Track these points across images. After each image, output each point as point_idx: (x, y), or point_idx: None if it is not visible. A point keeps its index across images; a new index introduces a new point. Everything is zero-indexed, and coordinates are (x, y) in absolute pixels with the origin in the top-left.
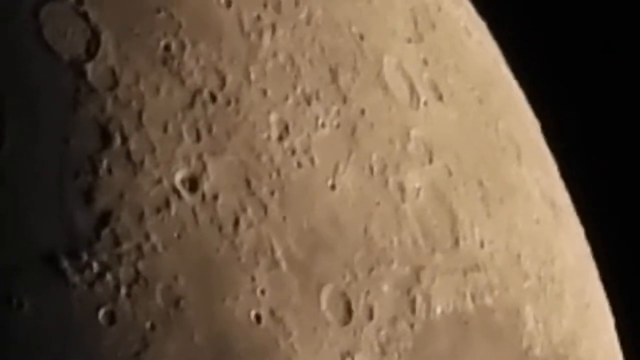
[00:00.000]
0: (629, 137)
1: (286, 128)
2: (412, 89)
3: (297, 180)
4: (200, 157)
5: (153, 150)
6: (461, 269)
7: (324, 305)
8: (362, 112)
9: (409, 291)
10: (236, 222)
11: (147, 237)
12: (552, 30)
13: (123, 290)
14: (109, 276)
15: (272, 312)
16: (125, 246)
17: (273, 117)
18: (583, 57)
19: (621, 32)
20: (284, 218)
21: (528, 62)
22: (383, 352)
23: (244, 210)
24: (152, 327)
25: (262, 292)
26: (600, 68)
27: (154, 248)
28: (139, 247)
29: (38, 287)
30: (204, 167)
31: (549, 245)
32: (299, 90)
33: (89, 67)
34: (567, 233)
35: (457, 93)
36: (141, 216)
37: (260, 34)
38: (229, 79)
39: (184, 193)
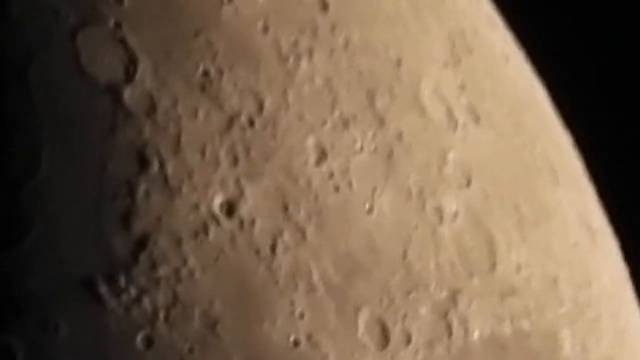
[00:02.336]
0: None
1: (324, 152)
2: (449, 112)
3: (335, 204)
4: (237, 181)
5: (190, 174)
6: (498, 292)
7: (361, 329)
8: (400, 135)
9: (446, 315)
10: (274, 246)
11: (184, 261)
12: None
13: (161, 315)
14: (146, 300)
15: (309, 336)
16: (163, 270)
17: (310, 141)
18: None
19: None
20: (321, 242)
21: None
22: None
23: (282, 234)
24: (190, 351)
25: (301, 315)
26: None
27: (191, 272)
28: (176, 271)
29: (75, 311)
30: (242, 192)
31: (585, 268)
32: (336, 114)
33: (127, 91)
34: (603, 256)
35: (494, 116)
36: (179, 240)
37: (297, 59)
38: (267, 103)
39: (222, 217)
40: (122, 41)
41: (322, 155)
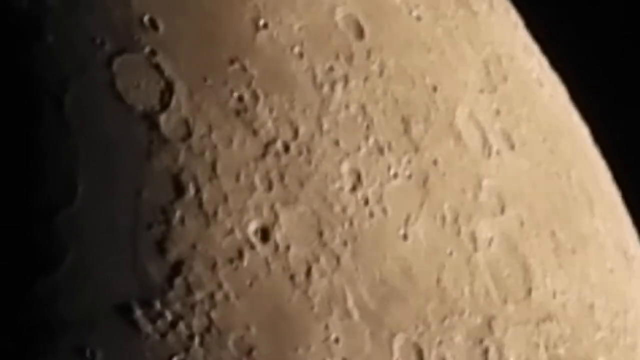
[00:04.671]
0: None
1: (358, 178)
2: (485, 139)
3: (370, 230)
4: (272, 207)
5: (226, 200)
6: (533, 319)
7: (396, 354)
8: (435, 161)
9: (481, 341)
10: (308, 272)
11: (219, 286)
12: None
13: (196, 340)
14: (181, 326)
15: None
16: (198, 296)
17: (345, 167)
18: None
19: None
20: (356, 268)
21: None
22: None
23: (317, 260)
24: None
25: (336, 340)
26: None
27: (226, 298)
28: (211, 297)
29: (111, 337)
30: (276, 217)
31: (621, 295)
32: (371, 140)
33: (162, 118)
34: (639, 283)
35: (529, 143)
36: (214, 266)
37: (332, 85)
38: (302, 130)
39: (257, 243)
40: (158, 68)
41: (357, 182)
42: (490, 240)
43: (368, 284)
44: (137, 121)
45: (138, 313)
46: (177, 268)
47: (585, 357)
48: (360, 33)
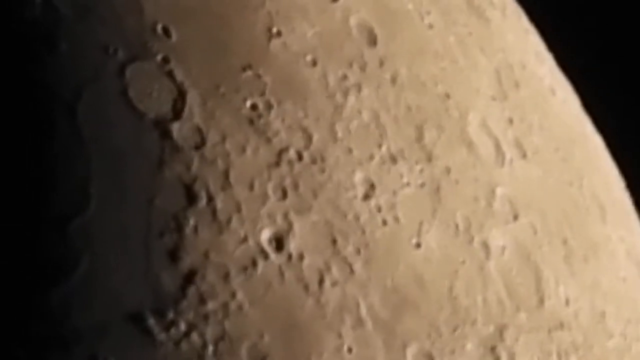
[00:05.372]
0: None
1: (371, 187)
2: (497, 147)
3: (382, 239)
4: (286, 216)
5: (239, 209)
6: (546, 327)
7: None
8: (447, 170)
9: (493, 350)
10: (321, 281)
11: (233, 295)
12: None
13: (209, 349)
14: (195, 335)
15: None
16: (211, 305)
17: (358, 176)
18: None
19: None
20: (369, 277)
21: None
22: None
23: (329, 269)
24: None
25: (349, 350)
26: None
27: (240, 307)
28: (225, 306)
29: (124, 346)
30: (290, 226)
31: (634, 303)
32: (384, 148)
33: (175, 126)
34: None
35: (542, 151)
36: (227, 275)
37: (345, 93)
38: (315, 138)
39: (270, 252)
40: (170, 75)
41: (369, 190)
42: (503, 249)
43: (380, 292)
44: (149, 129)
45: (151, 322)
46: (190, 277)
47: None
48: (373, 41)
